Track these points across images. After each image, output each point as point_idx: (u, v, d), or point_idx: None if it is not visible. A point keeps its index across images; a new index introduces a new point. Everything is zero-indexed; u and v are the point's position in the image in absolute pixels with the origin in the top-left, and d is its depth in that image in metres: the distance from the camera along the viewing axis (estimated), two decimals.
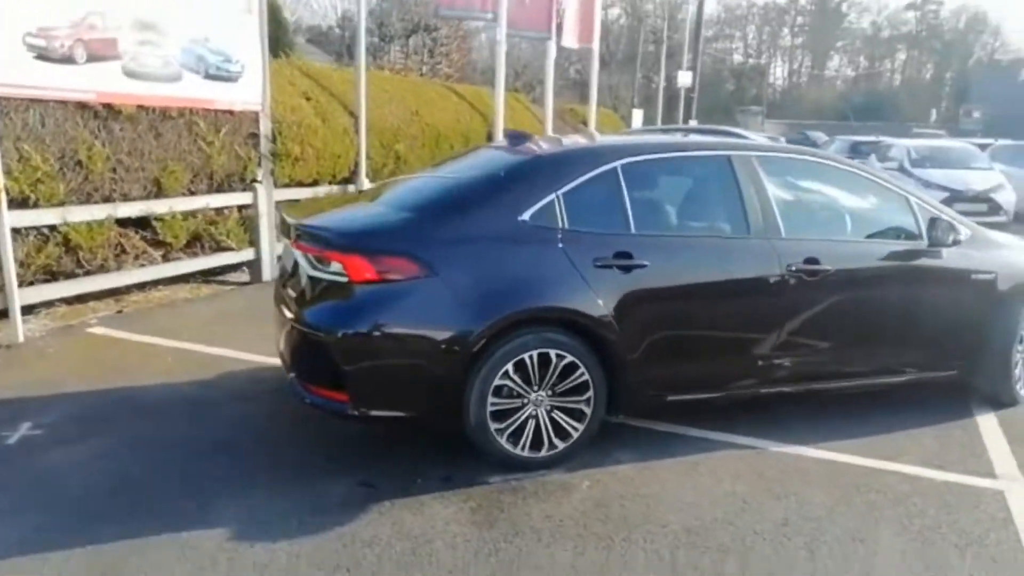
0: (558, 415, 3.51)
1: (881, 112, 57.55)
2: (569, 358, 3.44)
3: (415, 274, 3.26)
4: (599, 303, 3.45)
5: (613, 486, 3.41)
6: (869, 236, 4.16)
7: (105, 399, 4.29)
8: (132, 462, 3.53)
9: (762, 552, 2.91)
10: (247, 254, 7.37)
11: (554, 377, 3.45)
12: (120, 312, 6.21)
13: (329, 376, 3.34)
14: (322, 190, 8.36)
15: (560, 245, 3.46)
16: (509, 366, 3.36)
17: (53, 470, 3.44)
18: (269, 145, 7.43)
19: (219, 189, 7.08)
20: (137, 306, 6.40)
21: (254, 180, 7.35)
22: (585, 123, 15.77)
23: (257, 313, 6.24)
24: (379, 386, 3.32)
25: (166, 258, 6.67)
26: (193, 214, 6.79)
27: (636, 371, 3.58)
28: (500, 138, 10.75)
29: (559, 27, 13.07)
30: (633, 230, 3.60)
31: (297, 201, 8.11)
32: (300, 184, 8.04)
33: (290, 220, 3.70)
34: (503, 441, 3.43)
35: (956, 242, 4.06)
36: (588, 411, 3.54)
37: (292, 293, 3.61)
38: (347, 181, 8.70)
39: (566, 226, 3.50)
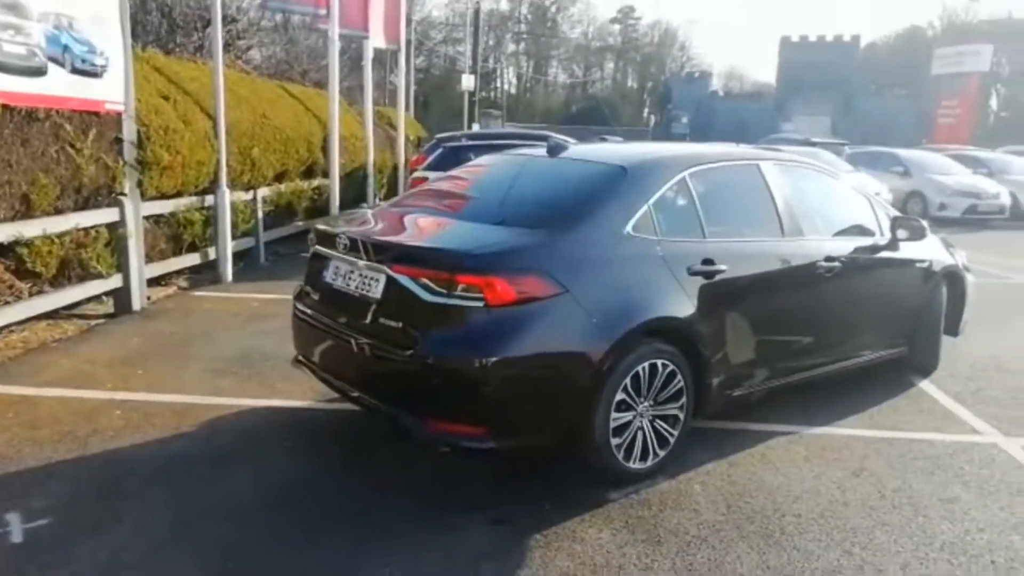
0: (659, 424, 3.57)
1: (599, 117, 63.10)
2: (671, 367, 3.52)
3: (550, 292, 3.13)
4: (693, 310, 3.57)
5: (722, 486, 3.55)
6: (844, 233, 4.70)
7: (97, 471, 3.53)
8: (227, 532, 2.97)
9: (894, 523, 3.25)
10: (115, 281, 6.31)
11: (658, 386, 3.50)
12: None
13: (461, 408, 3.09)
14: (184, 202, 7.39)
15: (660, 255, 3.52)
16: (627, 380, 3.36)
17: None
18: (135, 152, 6.42)
19: (86, 205, 5.99)
20: (2, 354, 5.21)
21: (120, 193, 6.31)
22: (393, 126, 15.52)
23: (170, 349, 5.47)
24: (518, 414, 3.15)
25: (31, 292, 5.50)
26: (62, 237, 5.67)
27: (716, 372, 3.75)
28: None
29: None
30: (707, 236, 3.77)
31: (167, 216, 7.16)
32: (164, 196, 7.04)
33: (375, 239, 3.33)
34: (620, 456, 3.42)
35: (922, 236, 4.76)
36: (682, 416, 3.64)
37: (386, 320, 3.24)
38: (205, 192, 7.77)
39: (660, 236, 3.57)
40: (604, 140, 14.69)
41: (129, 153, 6.38)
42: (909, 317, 4.97)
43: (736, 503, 3.39)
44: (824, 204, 4.65)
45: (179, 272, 7.72)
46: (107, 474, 3.52)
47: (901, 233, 4.76)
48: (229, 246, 7.99)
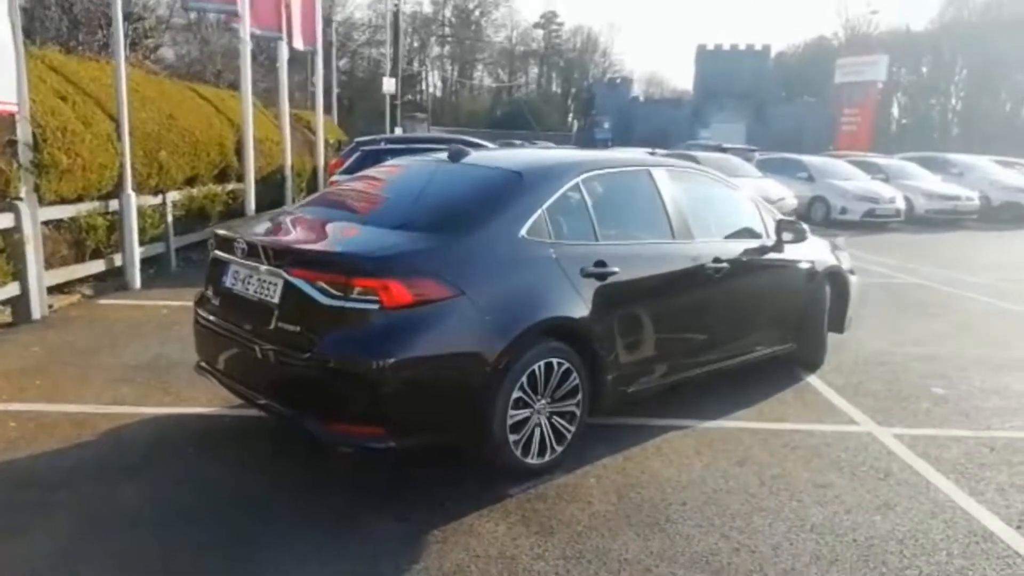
0: (556, 420, 3.72)
1: (523, 121, 63.60)
2: (566, 365, 3.68)
3: (447, 295, 3.24)
4: (586, 310, 3.73)
5: (616, 478, 3.73)
6: (738, 235, 4.98)
7: None
8: (116, 550, 2.95)
9: (771, 508, 3.48)
10: (11, 289, 6.10)
11: (554, 384, 3.65)
12: None
13: (359, 410, 3.17)
14: (85, 207, 7.18)
15: (554, 258, 3.67)
16: (524, 378, 3.50)
17: None
18: (31, 154, 6.22)
19: None
20: None
21: (16, 198, 6.10)
22: (311, 129, 15.36)
23: (69, 358, 5.37)
24: (416, 414, 3.24)
25: None
26: None
27: (611, 369, 3.93)
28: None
29: (288, 28, 12.64)
30: (599, 240, 3.94)
31: (68, 221, 6.94)
32: (64, 200, 6.83)
33: (270, 243, 3.36)
34: (518, 452, 3.55)
35: (803, 239, 5.07)
36: (579, 412, 3.81)
37: (284, 324, 3.29)
38: (109, 196, 7.56)
39: (553, 239, 3.72)
40: (513, 145, 14.86)
41: (24, 156, 6.18)
42: (796, 315, 5.28)
43: (627, 494, 3.56)
44: (713, 208, 4.91)
45: (83, 279, 7.51)
46: (2, 486, 3.44)
47: (786, 235, 5.06)
48: (136, 252, 7.80)
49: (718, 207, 5.00)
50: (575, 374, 3.73)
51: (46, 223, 6.65)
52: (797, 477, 3.82)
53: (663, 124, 53.74)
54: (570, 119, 76.12)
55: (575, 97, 79.61)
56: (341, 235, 3.68)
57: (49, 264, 6.68)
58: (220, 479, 3.57)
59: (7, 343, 5.68)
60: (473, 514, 3.31)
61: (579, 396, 3.78)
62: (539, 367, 3.55)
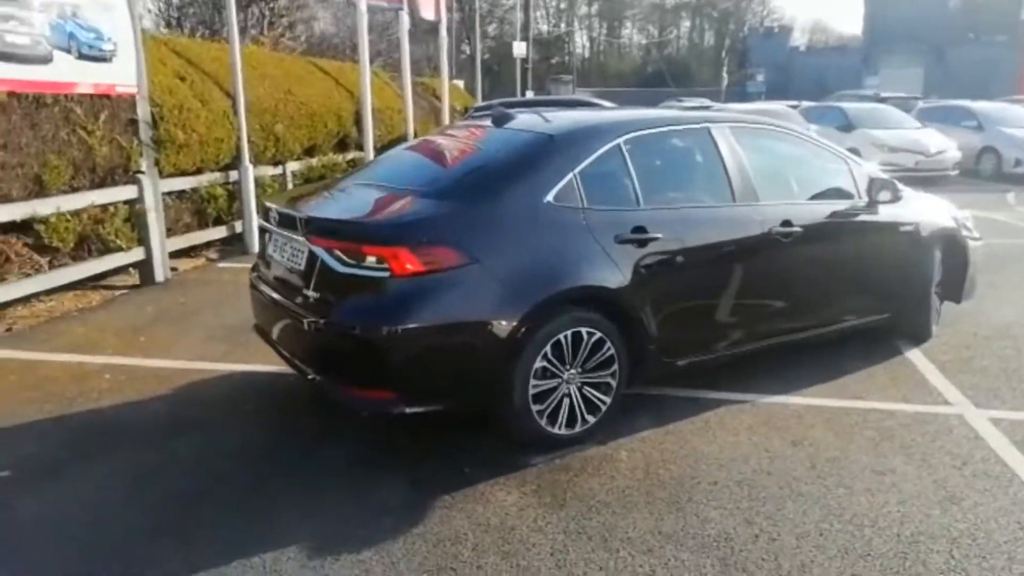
0: (588, 391, 3.60)
1: (674, 78, 61.45)
2: (598, 334, 3.54)
3: (459, 263, 3.20)
4: (623, 278, 3.56)
5: (649, 453, 3.57)
6: (819, 196, 4.56)
7: (71, 430, 3.84)
8: (168, 488, 3.22)
9: (811, 494, 3.20)
10: (137, 254, 6.71)
11: (585, 354, 3.53)
12: (9, 331, 5.48)
13: (372, 375, 3.22)
14: (206, 179, 7.74)
15: (584, 224, 3.52)
16: (548, 347, 3.41)
17: (65, 517, 3.05)
18: (150, 132, 6.76)
19: (103, 184, 6.37)
20: (26, 322, 5.67)
21: (138, 171, 6.67)
22: (438, 97, 15.63)
23: (175, 318, 5.79)
24: (426, 381, 3.25)
25: (52, 265, 5.92)
26: (79, 213, 6.06)
27: (654, 340, 3.74)
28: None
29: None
30: (641, 204, 3.74)
31: (190, 191, 7.50)
32: (184, 173, 7.40)
33: (296, 212, 3.47)
34: (543, 422, 3.48)
35: (897, 198, 4.57)
36: (614, 384, 3.66)
37: (308, 291, 3.40)
38: (229, 167, 8.11)
39: (586, 205, 3.56)
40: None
41: (145, 133, 6.72)
42: (893, 283, 4.77)
43: (656, 470, 3.40)
44: (790, 168, 4.52)
45: (209, 244, 8.13)
46: (76, 435, 3.81)
47: (880, 196, 4.56)
48: (255, 219, 8.30)
49: (797, 167, 4.59)
50: (609, 344, 3.58)
51: (168, 194, 7.23)
52: (855, 461, 3.48)
53: (826, 74, 50.00)
54: (724, 73, 72.64)
55: (729, 50, 75.81)
56: (364, 203, 3.71)
57: (173, 231, 7.29)
58: (262, 435, 3.77)
59: (128, 303, 6.28)
60: (489, 482, 3.29)
61: (614, 367, 3.64)
62: (566, 336, 3.44)
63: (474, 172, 3.69)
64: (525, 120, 4.10)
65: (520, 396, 3.38)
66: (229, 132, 7.90)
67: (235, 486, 3.27)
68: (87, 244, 6.25)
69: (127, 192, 6.57)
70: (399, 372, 3.18)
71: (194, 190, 7.62)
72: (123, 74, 6.43)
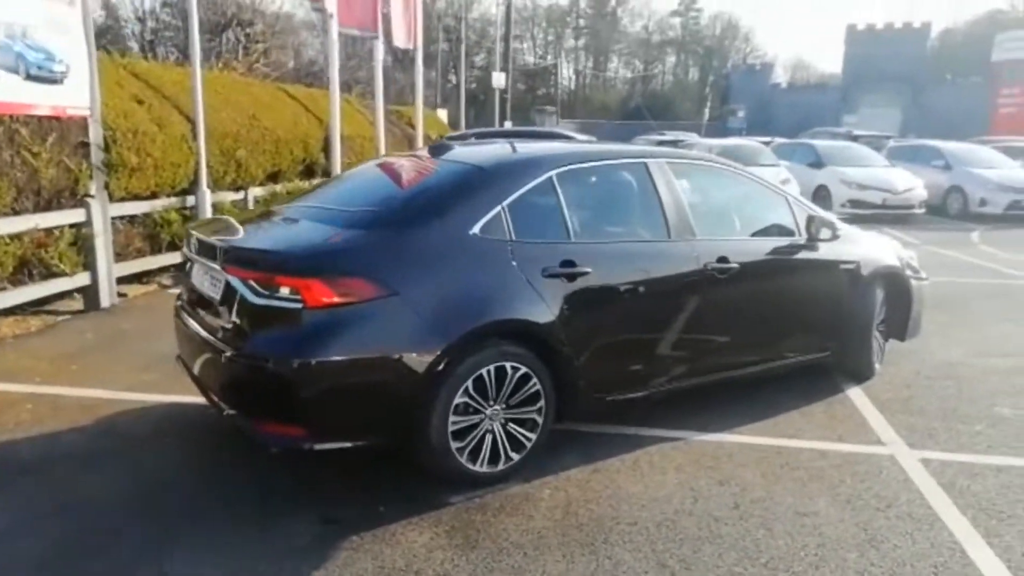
0: (513, 427, 3.53)
1: (657, 112, 62.28)
2: (523, 369, 3.48)
3: (375, 295, 3.13)
4: (550, 312, 3.51)
5: (573, 492, 3.49)
6: (758, 233, 4.55)
7: None
8: (46, 533, 3.08)
9: (729, 536, 3.13)
10: (82, 279, 6.58)
11: (509, 390, 3.46)
12: None
13: (282, 410, 3.13)
14: (160, 203, 7.66)
15: (511, 257, 3.47)
16: (469, 382, 3.34)
17: None
18: (102, 155, 6.68)
19: (48, 207, 6.27)
20: None
21: (86, 195, 6.57)
22: (412, 125, 15.67)
23: (112, 345, 5.67)
24: (338, 416, 3.16)
25: None
26: (19, 237, 5.94)
27: (582, 376, 3.69)
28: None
29: (387, 27, 12.96)
30: (572, 238, 3.70)
31: (142, 216, 7.39)
32: (137, 197, 7.31)
33: (215, 241, 3.39)
34: (463, 459, 3.40)
35: (836, 236, 4.57)
36: (540, 420, 3.59)
37: (224, 321, 3.32)
38: (185, 192, 8.03)
39: (514, 237, 3.52)
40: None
41: (96, 156, 6.64)
42: (833, 321, 4.76)
43: (576, 510, 3.32)
44: (729, 205, 4.52)
45: (163, 270, 8.01)
46: None
47: (817, 233, 4.57)
48: None
49: (737, 204, 4.59)
50: (535, 379, 3.52)
51: (120, 218, 7.13)
52: (780, 502, 3.42)
53: (806, 111, 50.71)
54: (705, 108, 73.71)
55: (712, 86, 77.02)
56: (286, 232, 3.65)
57: (124, 256, 7.18)
58: (177, 469, 3.65)
59: (67, 329, 6.15)
60: (403, 521, 3.19)
61: (541, 403, 3.57)
62: (488, 371, 3.38)
63: (398, 202, 3.64)
64: (461, 151, 4.07)
65: (439, 433, 3.30)
66: (187, 156, 7.84)
67: (137, 523, 3.15)
68: (27, 268, 6.12)
69: (74, 216, 6.46)
70: (310, 407, 3.09)
71: (147, 215, 7.53)
72: (74, 96, 6.36)
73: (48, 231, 6.24)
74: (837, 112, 51.87)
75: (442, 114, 27.67)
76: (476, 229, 3.45)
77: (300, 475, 3.58)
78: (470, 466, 3.42)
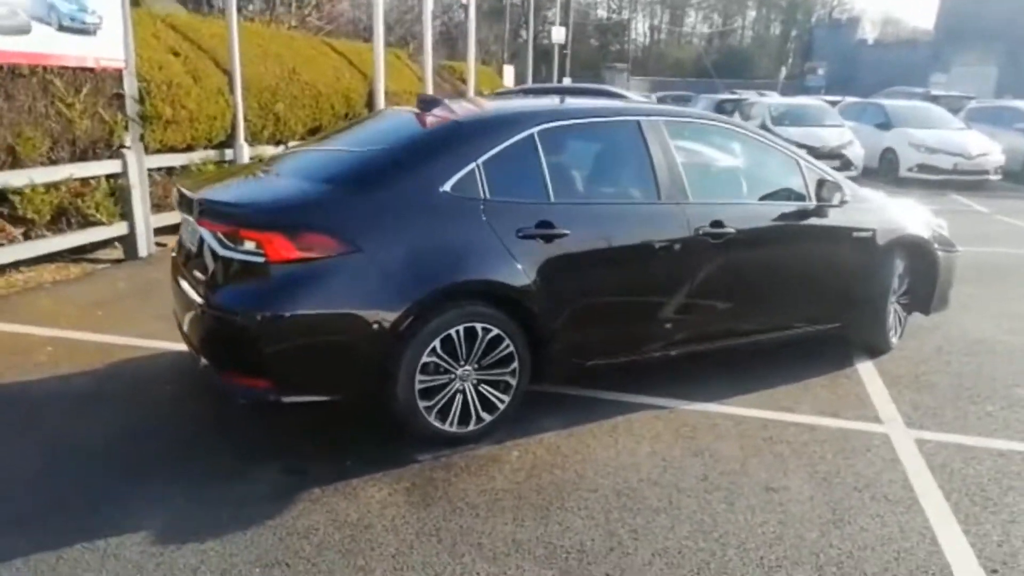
0: (485, 388, 3.52)
1: (735, 69, 60.19)
2: (495, 331, 3.45)
3: (338, 251, 3.14)
4: (523, 274, 3.46)
5: (542, 455, 3.48)
6: (764, 198, 4.37)
7: None
8: (29, 467, 3.25)
9: (688, 508, 3.07)
10: (119, 228, 6.83)
11: (480, 351, 3.44)
12: None
13: (247, 362, 3.20)
14: (197, 156, 7.84)
15: (483, 216, 3.42)
16: (436, 342, 3.33)
17: None
18: (137, 107, 6.86)
19: (83, 157, 6.50)
20: None
21: (122, 146, 6.78)
22: (464, 80, 15.57)
23: (141, 293, 5.87)
24: (302, 370, 3.21)
25: (27, 236, 6.08)
26: (56, 186, 6.19)
27: (559, 339, 3.64)
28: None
29: None
30: (552, 199, 3.62)
31: (180, 169, 7.59)
32: (173, 150, 7.51)
33: (191, 194, 3.46)
34: (432, 418, 3.41)
35: (843, 202, 4.34)
36: (514, 383, 3.57)
37: (199, 274, 3.40)
38: (223, 145, 8.20)
39: (488, 196, 3.46)
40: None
41: (131, 108, 6.82)
42: (844, 291, 4.55)
43: (540, 473, 3.31)
44: (732, 168, 4.33)
45: None
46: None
47: (827, 198, 4.34)
48: None
49: (741, 167, 4.40)
50: (508, 342, 3.49)
51: (157, 170, 7.34)
52: (751, 476, 3.33)
53: (894, 69, 48.09)
54: (787, 65, 70.67)
55: (794, 41, 73.72)
56: (261, 186, 3.67)
57: (161, 207, 7.40)
58: (163, 416, 3.77)
59: (104, 277, 6.41)
60: (366, 476, 3.24)
61: (514, 365, 3.54)
62: (457, 332, 3.36)
63: (370, 157, 3.60)
64: (450, 106, 4.00)
65: (405, 391, 3.31)
66: (224, 109, 7.98)
67: (108, 467, 3.28)
68: (66, 217, 6.38)
69: (110, 166, 6.68)
70: (275, 360, 3.14)
71: (184, 167, 7.72)
72: (108, 47, 6.52)
73: (84, 181, 6.47)
74: (927, 70, 48.99)
75: (509, 70, 27.30)
76: (447, 186, 3.40)
77: (275, 427, 3.67)
78: (439, 425, 3.44)
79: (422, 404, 3.37)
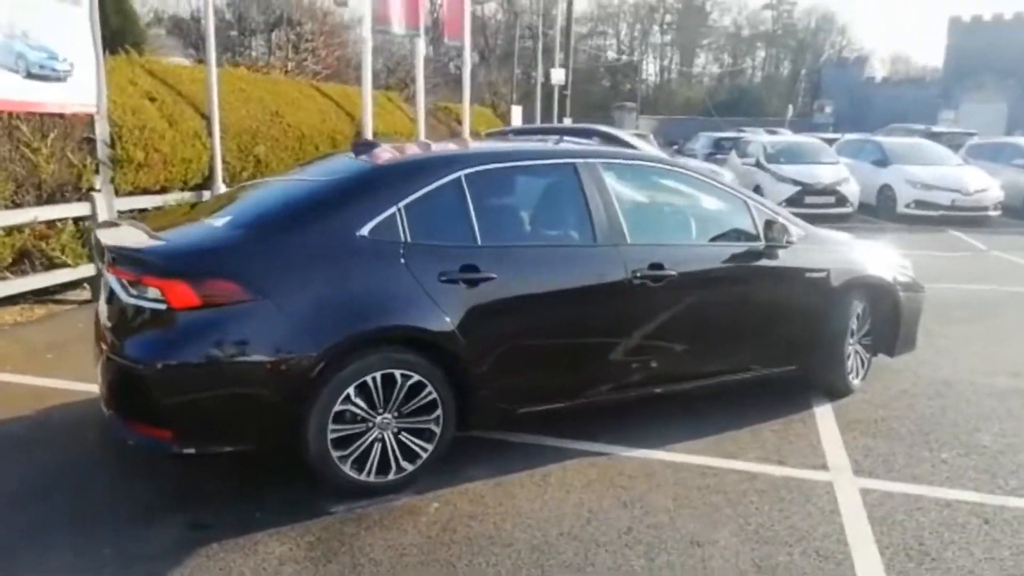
0: (406, 437, 3.39)
1: (744, 108, 60.54)
2: (416, 377, 3.33)
3: (243, 298, 3.05)
4: (446, 319, 3.35)
5: (463, 506, 3.33)
6: (711, 239, 4.28)
7: None
8: None
9: (603, 564, 2.91)
10: (86, 270, 6.81)
11: (400, 398, 3.33)
12: None
13: (149, 411, 3.09)
14: (172, 197, 7.86)
15: (402, 261, 3.34)
16: (351, 390, 3.22)
17: None
18: (107, 151, 6.90)
19: (51, 199, 6.51)
20: None
21: (91, 189, 6.80)
22: (459, 121, 15.66)
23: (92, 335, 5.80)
24: (205, 420, 3.10)
25: None
26: (20, 228, 6.19)
27: (487, 385, 3.52)
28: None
29: (436, 23, 13.04)
30: (479, 242, 3.53)
31: (152, 210, 7.60)
32: (146, 192, 7.53)
33: (104, 242, 3.40)
34: (347, 468, 3.28)
35: (789, 242, 4.22)
36: (438, 430, 3.44)
37: (108, 321, 3.33)
38: (200, 187, 8.23)
39: (408, 240, 3.38)
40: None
41: (102, 152, 6.86)
42: (798, 332, 4.40)
43: (456, 527, 3.16)
44: (676, 209, 4.24)
45: None
46: None
47: (775, 239, 4.22)
48: None
49: (685, 208, 4.31)
50: (430, 388, 3.38)
51: (129, 211, 7.35)
52: (679, 529, 3.17)
53: (903, 106, 48.15)
54: (796, 104, 70.98)
55: (804, 79, 74.16)
56: (169, 233, 3.58)
57: None
58: (78, 464, 3.64)
59: (65, 319, 6.37)
60: (272, 529, 3.10)
61: (437, 412, 3.42)
62: (374, 379, 3.25)
63: (288, 203, 3.55)
64: (383, 150, 3.94)
65: (317, 441, 3.19)
66: (200, 152, 8.02)
67: (6, 519, 3.16)
68: (29, 259, 6.38)
69: (79, 209, 6.70)
70: (175, 410, 3.04)
71: (157, 208, 7.72)
72: (78, 94, 6.57)
73: (50, 223, 6.47)
74: (936, 108, 48.99)
75: (517, 111, 27.48)
76: (365, 231, 3.32)
77: (192, 475, 3.55)
78: (355, 475, 3.31)
79: (336, 454, 3.25)
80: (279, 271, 3.15)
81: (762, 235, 4.25)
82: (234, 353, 3.06)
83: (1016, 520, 3.26)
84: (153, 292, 3.05)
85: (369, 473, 3.33)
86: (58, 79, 6.37)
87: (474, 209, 3.55)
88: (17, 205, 6.23)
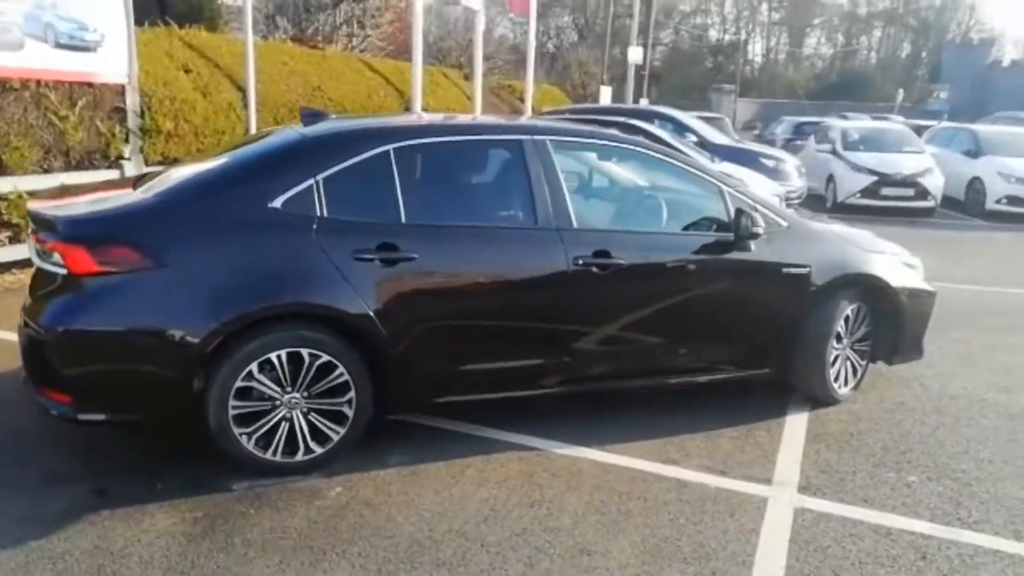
0: (316, 418, 3.32)
1: (854, 92, 57.39)
2: (325, 357, 3.25)
3: (140, 265, 3.04)
4: (359, 298, 3.25)
5: (365, 493, 3.24)
6: (674, 227, 4.00)
7: None
8: None
9: (476, 566, 2.76)
10: None
11: (308, 377, 3.25)
12: None
13: (52, 376, 3.13)
14: None
15: (314, 236, 3.25)
16: (253, 366, 3.16)
17: None
18: (138, 120, 7.12)
19: (79, 167, 6.78)
20: None
21: (120, 157, 7.05)
22: (522, 99, 15.47)
23: None
24: (102, 388, 3.12)
25: (12, 240, 6.38)
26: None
27: (404, 370, 3.41)
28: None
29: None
30: (404, 220, 3.40)
31: None
32: (177, 161, 7.73)
33: (29, 207, 3.46)
34: (250, 446, 3.24)
35: (757, 234, 3.86)
36: (350, 413, 3.36)
37: (29, 288, 3.39)
38: None
39: (324, 214, 3.28)
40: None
41: (132, 121, 7.10)
42: (771, 333, 4.07)
43: (347, 514, 3.07)
44: (641, 195, 3.97)
45: None
46: None
47: (754, 230, 3.89)
48: None
49: (651, 193, 4.03)
50: (341, 369, 3.29)
51: None
52: (576, 536, 2.97)
53: None
54: (913, 88, 66.66)
55: (924, 62, 69.60)
56: (91, 198, 3.59)
57: None
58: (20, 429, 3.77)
59: None
60: (166, 502, 3.10)
61: (350, 394, 3.33)
62: (279, 356, 3.19)
63: (206, 172, 3.49)
64: (324, 122, 3.83)
65: (217, 417, 3.16)
66: (234, 124, 8.19)
67: None
68: None
69: (107, 176, 6.95)
70: (71, 376, 3.07)
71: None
72: (108, 64, 6.80)
73: None
74: None
75: (606, 91, 26.85)
76: (278, 203, 3.25)
77: (122, 447, 3.58)
78: (259, 454, 3.27)
79: (238, 430, 3.21)
80: (180, 240, 3.12)
81: (733, 225, 3.92)
82: (128, 322, 3.06)
83: (959, 559, 2.89)
84: (56, 258, 3.07)
85: (275, 452, 3.29)
86: (87, 49, 6.61)
87: (401, 185, 3.42)
88: (46, 171, 6.51)
